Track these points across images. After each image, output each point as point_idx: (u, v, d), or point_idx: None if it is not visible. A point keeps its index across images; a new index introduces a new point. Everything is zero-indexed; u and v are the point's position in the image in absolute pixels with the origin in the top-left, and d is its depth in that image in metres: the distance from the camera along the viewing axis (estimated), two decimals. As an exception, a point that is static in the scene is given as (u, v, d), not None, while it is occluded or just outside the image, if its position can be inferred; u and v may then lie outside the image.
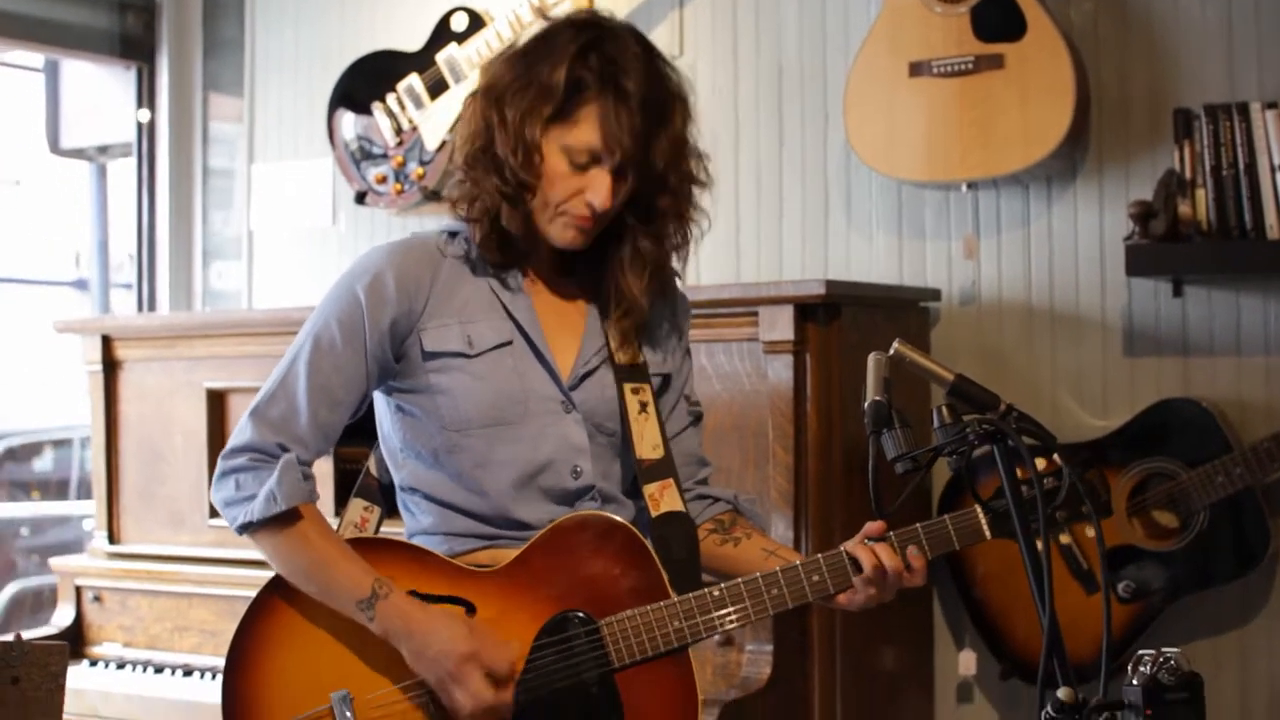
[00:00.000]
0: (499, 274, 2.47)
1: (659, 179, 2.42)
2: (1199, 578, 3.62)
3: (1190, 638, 3.78)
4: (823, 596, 2.40)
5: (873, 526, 2.40)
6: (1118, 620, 3.64)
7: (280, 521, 2.36)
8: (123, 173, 5.72)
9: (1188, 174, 3.65)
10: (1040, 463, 2.31)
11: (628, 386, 2.49)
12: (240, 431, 2.41)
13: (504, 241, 2.45)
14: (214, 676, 4.01)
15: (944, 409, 2.22)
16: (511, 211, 2.41)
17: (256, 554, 3.95)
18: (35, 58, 5.80)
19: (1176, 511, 3.64)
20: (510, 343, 2.44)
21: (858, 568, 2.37)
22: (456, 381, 2.41)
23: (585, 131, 2.36)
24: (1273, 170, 3.56)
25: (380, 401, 2.52)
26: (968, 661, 4.00)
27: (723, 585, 2.37)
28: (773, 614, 2.39)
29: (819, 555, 2.39)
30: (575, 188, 2.39)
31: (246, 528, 2.38)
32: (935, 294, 4.08)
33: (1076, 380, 3.97)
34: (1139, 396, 3.84)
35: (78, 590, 4.36)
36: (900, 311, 3.99)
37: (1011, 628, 3.84)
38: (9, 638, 2.08)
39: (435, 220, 4.67)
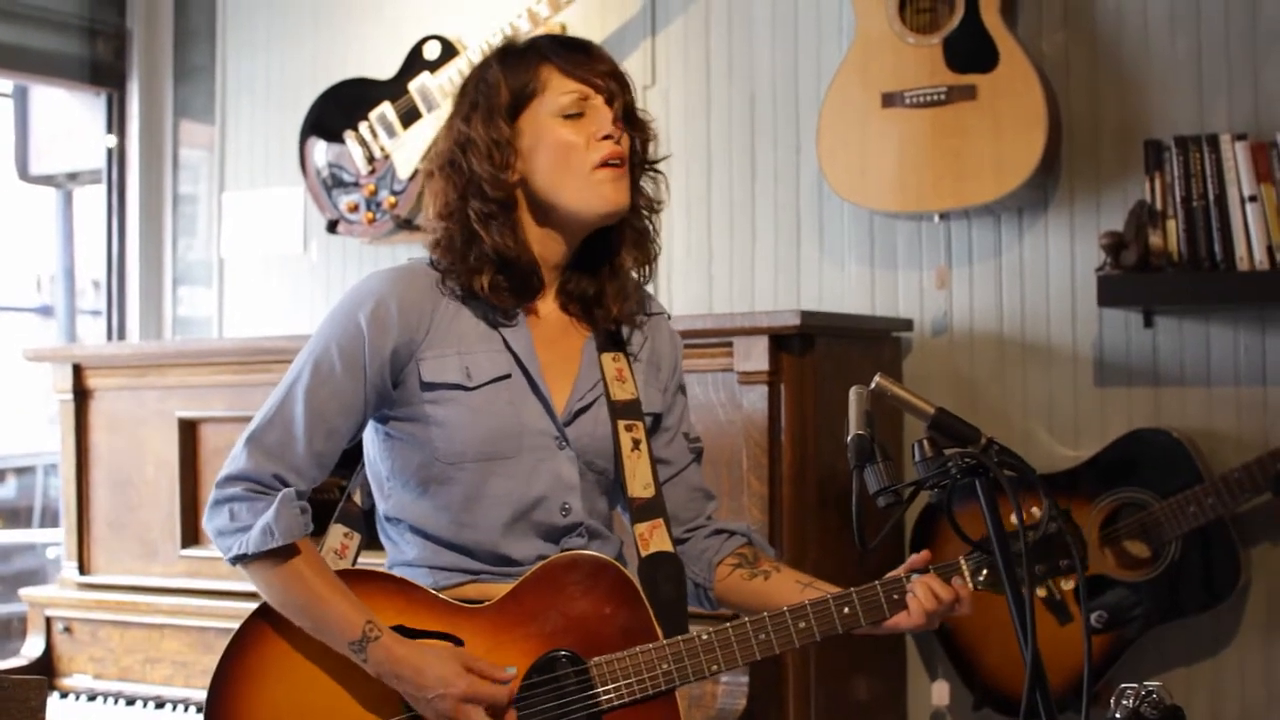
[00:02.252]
0: (499, 305, 2.45)
1: (637, 123, 2.47)
2: (1171, 608, 3.63)
3: (1163, 668, 3.79)
4: (848, 629, 2.39)
5: (918, 559, 2.42)
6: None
7: (275, 556, 2.33)
8: (89, 199, 5.69)
9: (1158, 205, 3.67)
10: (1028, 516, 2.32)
11: (622, 423, 2.47)
12: (235, 459, 2.38)
13: (512, 282, 2.42)
14: (186, 709, 3.98)
15: (924, 443, 2.23)
16: (504, 230, 2.40)
17: (228, 585, 3.97)
18: (4, 84, 5.77)
19: (1148, 542, 3.65)
20: (509, 376, 2.42)
21: (897, 605, 2.38)
22: (453, 413, 2.39)
23: (558, 84, 2.41)
24: (1242, 202, 3.59)
25: (369, 427, 2.49)
26: (941, 692, 3.99)
27: (711, 630, 2.36)
28: (760, 658, 2.37)
29: (851, 590, 2.39)
30: (586, 136, 2.40)
31: (240, 559, 2.35)
32: (907, 324, 4.09)
33: (1048, 410, 3.98)
34: (1110, 427, 3.86)
35: (48, 621, 4.32)
36: (873, 342, 4.00)
37: (982, 657, 3.84)
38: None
39: (407, 249, 4.67)
